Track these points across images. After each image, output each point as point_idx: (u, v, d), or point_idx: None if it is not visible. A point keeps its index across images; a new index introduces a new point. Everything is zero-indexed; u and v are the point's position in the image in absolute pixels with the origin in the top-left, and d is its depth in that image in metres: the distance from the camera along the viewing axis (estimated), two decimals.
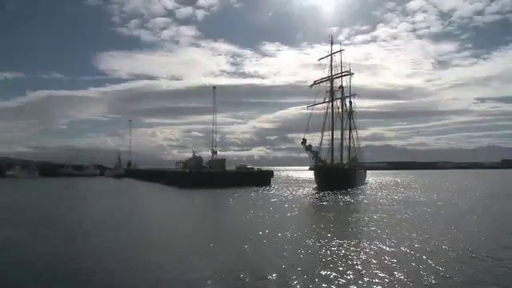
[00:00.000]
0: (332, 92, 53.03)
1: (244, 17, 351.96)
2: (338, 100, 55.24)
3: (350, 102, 61.81)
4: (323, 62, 53.36)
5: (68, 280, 9.57)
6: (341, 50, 53.17)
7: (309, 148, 47.01)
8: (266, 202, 29.72)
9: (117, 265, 10.95)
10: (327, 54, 53.10)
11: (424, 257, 11.24)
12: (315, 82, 53.44)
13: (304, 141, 46.97)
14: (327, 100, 52.96)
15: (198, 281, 9.39)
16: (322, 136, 52.21)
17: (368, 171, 73.16)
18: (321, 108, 52.80)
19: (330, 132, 53.10)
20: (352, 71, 59.25)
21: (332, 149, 53.37)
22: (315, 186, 48.26)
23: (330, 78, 52.80)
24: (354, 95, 60.88)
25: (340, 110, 55.45)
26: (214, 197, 35.79)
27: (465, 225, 17.36)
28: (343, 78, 55.01)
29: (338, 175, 46.56)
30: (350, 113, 62.52)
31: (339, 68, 53.16)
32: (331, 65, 52.65)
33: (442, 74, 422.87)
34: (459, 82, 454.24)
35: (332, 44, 52.96)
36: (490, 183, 59.14)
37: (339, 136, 55.82)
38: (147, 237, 15.56)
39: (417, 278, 9.35)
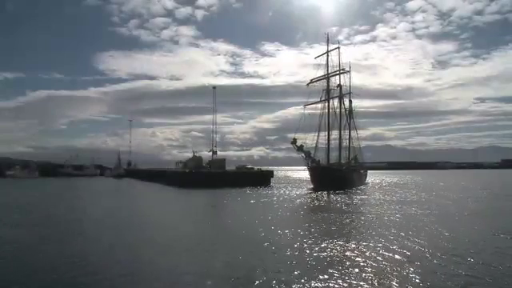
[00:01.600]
0: (328, 90, 51.83)
1: (243, 17, 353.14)
2: (336, 99, 54.37)
3: (350, 101, 60.83)
4: (321, 61, 52.08)
5: (67, 279, 9.56)
6: (337, 48, 52.15)
7: (300, 148, 45.45)
8: (265, 202, 29.73)
9: (116, 264, 10.96)
10: (323, 52, 51.88)
11: (405, 258, 11.18)
12: (312, 81, 52.25)
13: (294, 141, 45.27)
14: (324, 99, 51.68)
15: (197, 281, 9.39)
16: (318, 136, 51.03)
17: (368, 171, 72.78)
18: (318, 108, 51.71)
19: (327, 132, 52.05)
20: (352, 71, 58.81)
21: (328, 149, 51.94)
22: (311, 186, 47.37)
23: (327, 77, 51.73)
24: (349, 93, 59.32)
25: (338, 109, 54.50)
26: (214, 197, 35.77)
27: (451, 226, 17.01)
28: (342, 77, 54.02)
29: (333, 176, 45.38)
30: (350, 112, 61.88)
31: (338, 67, 52.16)
32: (327, 62, 51.50)
33: (441, 74, 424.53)
34: (459, 81, 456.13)
35: (328, 41, 51.61)
36: (488, 184, 58.50)
37: (339, 136, 55.48)
38: (147, 237, 15.56)
39: (397, 279, 9.35)
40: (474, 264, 10.57)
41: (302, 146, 45.74)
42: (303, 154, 45.88)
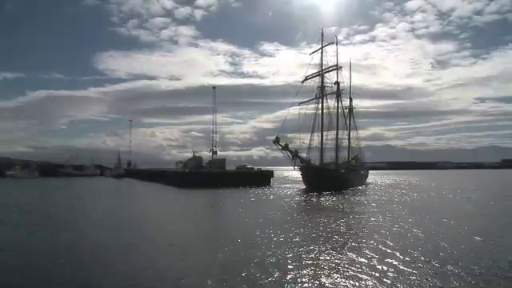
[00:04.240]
0: (322, 87, 50.34)
1: (243, 16, 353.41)
2: (334, 98, 53.15)
3: (351, 99, 60.51)
4: (317, 58, 50.46)
5: (67, 279, 9.59)
6: (332, 43, 50.65)
7: (285, 147, 43.05)
8: (264, 203, 29.76)
9: (116, 264, 10.99)
10: (318, 48, 50.50)
11: (380, 260, 11.13)
12: (306, 78, 50.78)
13: (277, 140, 42.95)
14: (318, 96, 49.97)
15: (197, 280, 9.41)
16: (312, 135, 49.85)
17: (369, 171, 72.26)
18: (314, 106, 50.25)
19: (326, 131, 50.65)
20: (351, 71, 58.71)
21: (321, 148, 50.33)
22: (303, 187, 45.78)
23: (321, 73, 50.31)
24: (350, 92, 58.85)
25: (336, 107, 53.37)
26: (214, 197, 35.78)
27: (436, 229, 16.67)
28: (340, 75, 53.06)
29: (327, 176, 44.34)
30: (350, 111, 61.46)
31: (335, 65, 50.75)
32: (321, 59, 49.94)
33: (441, 74, 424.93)
34: (459, 81, 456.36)
35: (322, 36, 50.00)
36: (487, 184, 58.03)
37: (340, 135, 54.76)
38: (147, 237, 15.58)
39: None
40: (445, 266, 10.49)
41: (287, 145, 43.30)
42: (289, 154, 43.79)
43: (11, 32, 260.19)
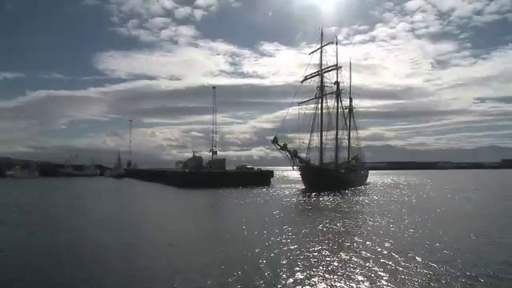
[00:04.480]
0: (322, 87, 50.26)
1: (242, 16, 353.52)
2: (334, 98, 53.01)
3: (351, 99, 60.45)
4: (316, 57, 50.39)
5: (68, 279, 9.60)
6: (331, 43, 50.64)
7: (284, 147, 42.87)
8: (263, 203, 29.75)
9: (117, 264, 10.99)
10: (317, 48, 50.38)
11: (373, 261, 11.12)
12: (306, 78, 50.56)
13: (275, 139, 42.72)
14: (318, 96, 49.88)
15: (197, 280, 9.42)
16: (311, 135, 49.83)
17: (369, 171, 72.13)
18: (313, 106, 50.16)
19: (325, 131, 50.71)
20: (351, 71, 58.65)
21: (321, 148, 50.33)
22: (303, 187, 45.59)
23: (320, 73, 50.18)
24: (350, 91, 58.78)
25: (335, 107, 53.29)
26: (214, 197, 35.78)
27: (430, 229, 16.50)
28: (340, 75, 52.92)
29: (326, 176, 44.30)
30: (350, 111, 61.41)
31: (335, 65, 50.76)
32: (321, 58, 49.88)
33: (441, 74, 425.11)
34: (459, 81, 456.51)
35: (322, 35, 49.91)
36: (485, 184, 57.68)
37: (340, 135, 54.70)
38: (147, 237, 15.58)
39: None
40: (444, 266, 10.47)
41: (285, 144, 43.15)
42: (287, 154, 43.50)
43: (11, 32, 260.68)
